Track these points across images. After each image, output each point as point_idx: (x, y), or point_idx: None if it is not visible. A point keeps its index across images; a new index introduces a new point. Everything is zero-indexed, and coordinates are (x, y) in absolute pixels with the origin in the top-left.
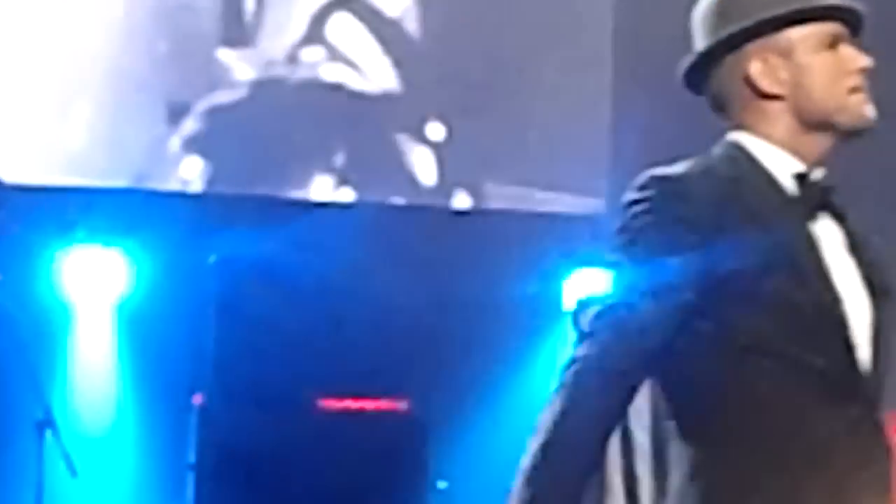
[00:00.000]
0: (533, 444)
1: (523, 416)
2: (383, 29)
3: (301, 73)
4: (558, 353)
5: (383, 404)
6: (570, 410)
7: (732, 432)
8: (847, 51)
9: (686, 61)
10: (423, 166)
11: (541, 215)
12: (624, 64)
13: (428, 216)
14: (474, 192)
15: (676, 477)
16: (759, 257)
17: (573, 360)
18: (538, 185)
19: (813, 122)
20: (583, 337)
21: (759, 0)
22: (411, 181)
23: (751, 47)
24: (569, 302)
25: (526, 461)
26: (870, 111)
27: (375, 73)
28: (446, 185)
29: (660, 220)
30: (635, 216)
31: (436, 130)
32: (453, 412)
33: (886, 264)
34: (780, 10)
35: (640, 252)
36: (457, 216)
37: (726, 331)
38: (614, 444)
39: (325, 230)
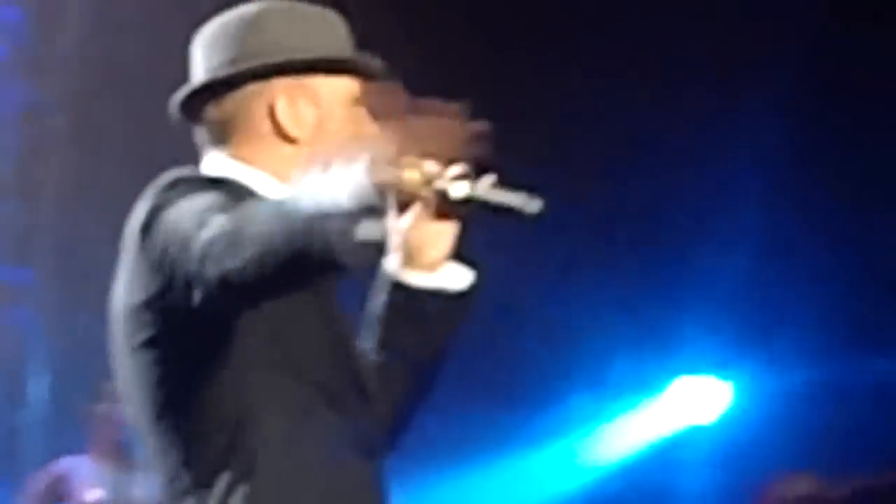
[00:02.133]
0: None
1: None
2: None
3: None
4: None
5: None
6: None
7: (247, 462)
8: (363, 113)
9: (192, 84)
10: None
11: None
12: None
13: None
14: None
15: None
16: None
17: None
18: None
19: None
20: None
21: (292, 37)
22: None
23: (279, 83)
24: None
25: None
26: None
27: None
28: None
29: (205, 192)
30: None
31: None
32: None
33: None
34: (315, 55)
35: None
36: None
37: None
38: None
39: None
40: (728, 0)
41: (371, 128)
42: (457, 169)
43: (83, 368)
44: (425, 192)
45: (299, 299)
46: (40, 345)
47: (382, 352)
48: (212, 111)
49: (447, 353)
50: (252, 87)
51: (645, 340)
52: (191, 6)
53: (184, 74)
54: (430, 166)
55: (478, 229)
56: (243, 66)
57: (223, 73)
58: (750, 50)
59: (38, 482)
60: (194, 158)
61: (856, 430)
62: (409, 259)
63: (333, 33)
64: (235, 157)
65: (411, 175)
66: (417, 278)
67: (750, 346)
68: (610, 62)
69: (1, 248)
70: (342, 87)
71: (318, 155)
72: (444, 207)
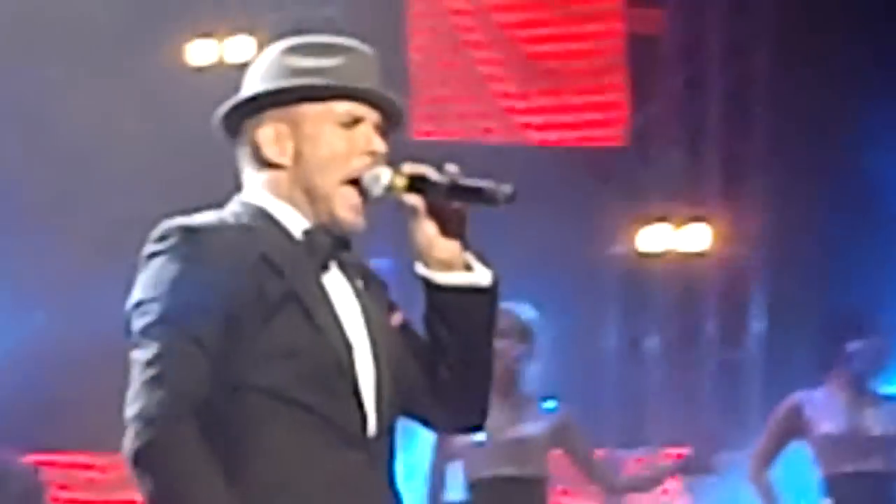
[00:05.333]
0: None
1: None
2: None
3: None
4: None
5: None
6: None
7: (241, 471)
8: (362, 131)
9: (221, 112)
10: None
11: None
12: None
13: None
14: None
15: None
16: (274, 305)
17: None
18: None
19: (311, 195)
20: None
21: (271, 72)
22: None
23: (267, 114)
24: None
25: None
26: (351, 218)
27: None
28: None
29: (179, 262)
30: (154, 259)
31: None
32: None
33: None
34: (286, 83)
35: (165, 288)
36: None
37: (236, 373)
38: None
39: None
40: None
41: (371, 145)
42: (424, 168)
43: None
44: (411, 194)
45: (291, 319)
46: None
47: (432, 348)
48: (239, 135)
49: (480, 349)
50: (246, 121)
51: None
52: None
53: None
54: (407, 169)
55: None
56: (242, 100)
57: (226, 108)
58: None
59: (776, 414)
60: None
61: None
62: (426, 260)
63: (344, 61)
64: (259, 181)
65: (399, 179)
66: (437, 276)
67: None
68: None
69: None
70: (326, 111)
71: (302, 178)
72: (434, 205)
